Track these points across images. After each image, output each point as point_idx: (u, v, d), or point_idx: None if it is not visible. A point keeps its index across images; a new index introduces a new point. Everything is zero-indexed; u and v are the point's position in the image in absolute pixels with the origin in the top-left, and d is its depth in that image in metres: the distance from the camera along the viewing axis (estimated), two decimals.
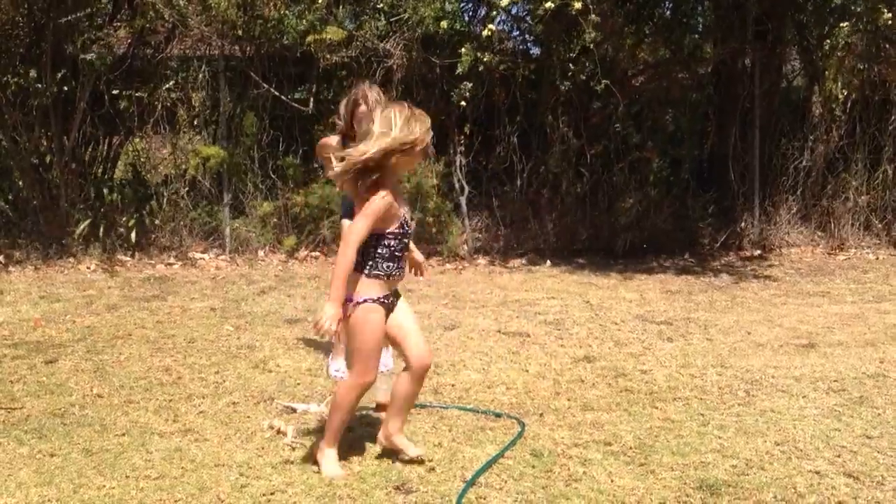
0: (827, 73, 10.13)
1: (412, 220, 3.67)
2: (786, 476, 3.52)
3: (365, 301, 3.40)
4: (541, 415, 4.29)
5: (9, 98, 8.41)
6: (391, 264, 3.43)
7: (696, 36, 10.14)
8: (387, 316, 3.48)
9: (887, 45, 9.79)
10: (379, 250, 3.41)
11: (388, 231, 3.41)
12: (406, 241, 3.51)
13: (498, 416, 4.26)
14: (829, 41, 9.22)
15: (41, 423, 4.13)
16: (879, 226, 10.35)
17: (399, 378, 3.60)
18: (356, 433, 3.98)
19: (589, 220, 9.76)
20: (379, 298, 3.42)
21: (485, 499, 3.30)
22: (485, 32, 8.35)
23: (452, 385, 4.80)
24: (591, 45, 8.04)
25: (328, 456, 3.52)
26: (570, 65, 8.88)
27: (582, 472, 3.56)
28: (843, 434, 4.01)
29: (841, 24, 8.83)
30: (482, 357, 5.38)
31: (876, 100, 10.27)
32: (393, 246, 3.43)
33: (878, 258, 9.69)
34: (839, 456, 3.74)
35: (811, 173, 10.23)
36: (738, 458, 3.71)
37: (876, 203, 10.36)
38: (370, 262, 3.40)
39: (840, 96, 10.08)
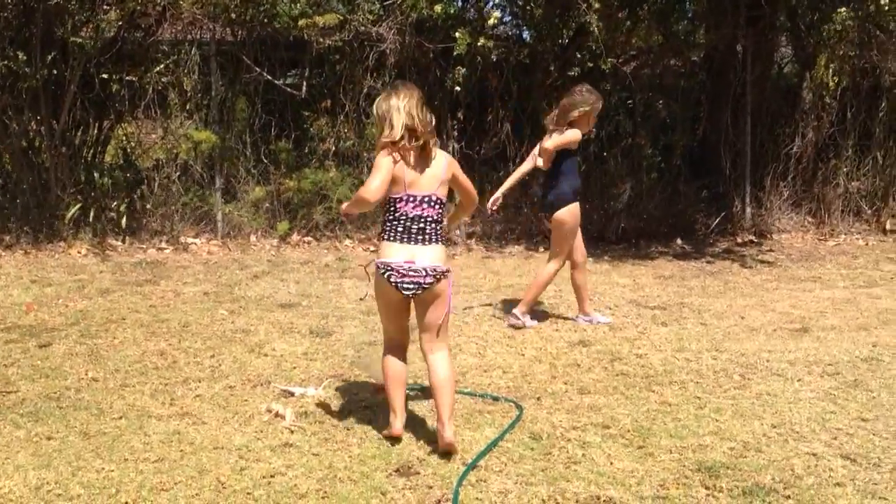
0: (818, 59, 10.15)
1: None
2: (783, 458, 3.54)
3: None
4: (538, 398, 4.30)
5: None
6: None
7: (687, 22, 10.12)
8: None
9: (878, 32, 9.82)
10: None
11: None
12: None
13: (496, 399, 4.27)
14: (826, 27, 9.21)
15: (37, 406, 4.11)
16: (869, 212, 10.41)
17: None
18: (358, 416, 3.99)
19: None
20: None
21: (485, 481, 3.31)
22: (490, 21, 8.32)
23: None
24: (594, 29, 8.02)
25: None
26: (577, 53, 8.85)
27: (581, 454, 3.57)
28: (838, 416, 4.04)
29: (839, 10, 8.82)
30: (478, 341, 5.39)
31: (866, 86, 10.28)
32: None
33: (867, 244, 9.74)
34: (835, 438, 3.77)
35: (802, 159, 10.26)
36: (736, 440, 3.73)
37: (866, 189, 10.41)
38: None
39: (831, 83, 10.10)
